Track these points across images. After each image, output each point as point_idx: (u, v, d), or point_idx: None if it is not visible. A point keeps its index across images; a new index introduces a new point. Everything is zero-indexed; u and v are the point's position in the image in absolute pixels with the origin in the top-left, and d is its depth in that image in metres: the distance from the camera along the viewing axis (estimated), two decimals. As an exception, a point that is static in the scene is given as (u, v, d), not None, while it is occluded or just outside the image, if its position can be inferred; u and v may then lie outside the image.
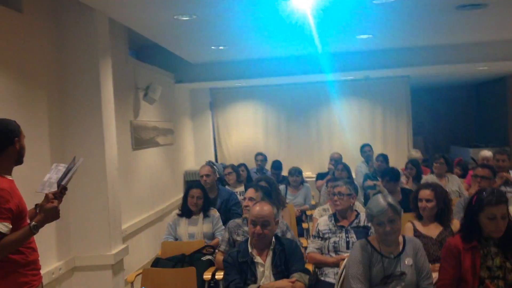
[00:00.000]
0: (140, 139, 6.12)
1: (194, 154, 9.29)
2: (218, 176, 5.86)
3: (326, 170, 8.05)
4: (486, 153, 6.17)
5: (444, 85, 12.50)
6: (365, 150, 7.58)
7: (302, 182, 6.22)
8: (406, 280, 2.68)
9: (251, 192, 3.83)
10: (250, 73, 8.19)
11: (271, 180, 4.76)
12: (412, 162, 6.38)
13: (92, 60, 4.32)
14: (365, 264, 2.70)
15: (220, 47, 6.64)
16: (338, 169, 6.06)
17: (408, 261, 2.72)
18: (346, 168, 6.05)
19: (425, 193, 3.54)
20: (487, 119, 12.11)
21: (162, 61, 7.62)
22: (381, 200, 2.77)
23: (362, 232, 3.53)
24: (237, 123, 9.62)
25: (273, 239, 3.06)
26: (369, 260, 2.73)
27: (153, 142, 6.66)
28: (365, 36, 6.49)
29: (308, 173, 9.05)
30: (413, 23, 5.90)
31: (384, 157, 6.80)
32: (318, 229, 3.62)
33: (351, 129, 9.42)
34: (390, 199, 2.81)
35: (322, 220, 3.65)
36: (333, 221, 3.63)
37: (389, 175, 5.06)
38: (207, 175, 5.09)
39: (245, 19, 4.93)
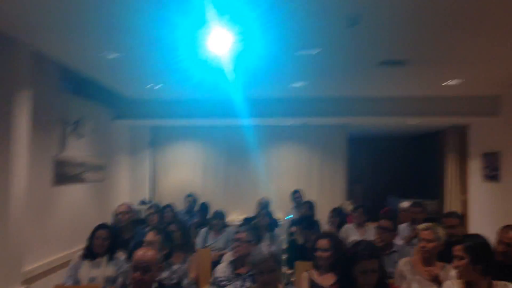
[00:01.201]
0: (63, 175, 5.99)
1: (129, 192, 9.14)
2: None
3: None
4: (404, 204, 6.36)
5: (386, 135, 12.92)
6: (296, 196, 7.65)
7: (224, 226, 6.20)
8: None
9: (151, 235, 3.79)
10: (189, 113, 8.23)
11: (182, 224, 4.71)
12: (335, 211, 6.49)
13: (5, 92, 4.26)
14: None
15: (156, 86, 6.68)
16: (260, 214, 6.08)
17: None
18: (268, 215, 6.08)
19: (322, 243, 3.60)
20: (423, 171, 12.53)
21: (100, 96, 7.58)
22: (264, 250, 2.80)
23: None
24: (175, 163, 9.59)
25: (156, 285, 3.02)
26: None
27: (78, 178, 6.52)
28: (298, 84, 6.69)
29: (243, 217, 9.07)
30: (339, 75, 6.13)
31: (309, 204, 6.89)
32: (215, 276, 3.59)
33: (288, 174, 9.55)
34: (273, 248, 2.84)
35: (220, 267, 3.63)
36: (231, 268, 3.62)
37: (304, 222, 5.12)
38: (123, 213, 5.02)
39: (166, 61, 5.01)
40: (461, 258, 2.86)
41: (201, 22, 3.76)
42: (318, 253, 3.60)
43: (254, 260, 2.78)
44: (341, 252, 3.63)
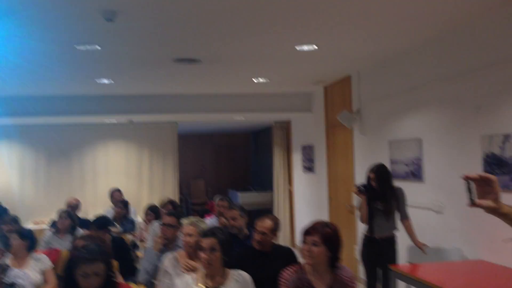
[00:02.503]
0: None
1: None
2: None
3: (87, 215, 7.75)
4: (216, 198, 6.49)
5: (226, 131, 13.20)
6: (114, 195, 7.43)
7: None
8: None
9: None
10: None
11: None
12: (150, 208, 6.40)
13: None
14: None
15: None
16: (61, 217, 5.76)
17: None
18: (70, 216, 5.79)
19: (80, 243, 3.47)
20: (260, 165, 13.04)
21: None
22: None
23: None
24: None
25: None
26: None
27: None
28: (106, 81, 6.47)
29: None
30: (141, 72, 6.03)
31: (124, 204, 6.72)
32: None
33: (117, 173, 9.27)
34: None
35: None
36: None
37: (96, 223, 4.94)
38: None
39: None
40: (213, 250, 2.92)
41: None
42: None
43: None
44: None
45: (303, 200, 9.13)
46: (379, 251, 4.78)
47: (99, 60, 5.24)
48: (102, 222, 4.92)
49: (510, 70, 3.83)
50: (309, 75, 6.65)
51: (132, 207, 7.43)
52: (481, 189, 1.61)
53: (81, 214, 8.56)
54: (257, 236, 3.67)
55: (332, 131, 7.53)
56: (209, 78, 6.49)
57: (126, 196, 8.80)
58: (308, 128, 8.68)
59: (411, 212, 4.78)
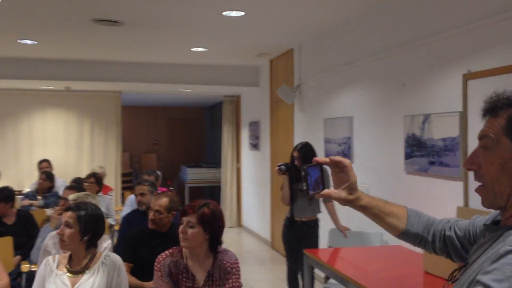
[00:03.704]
0: None
1: None
2: None
3: (24, 186, 7.35)
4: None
5: (181, 104, 12.78)
6: (41, 166, 7.02)
7: None
8: None
9: None
10: None
11: None
12: (74, 181, 6.01)
13: None
14: None
15: None
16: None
17: None
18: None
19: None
20: (214, 140, 12.71)
21: None
22: None
23: None
24: None
25: None
26: None
27: None
28: (28, 42, 6.01)
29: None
30: (62, 34, 5.61)
31: (48, 175, 6.31)
32: None
33: (56, 143, 8.83)
34: None
35: None
36: None
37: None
38: None
39: None
40: (67, 225, 2.59)
41: None
42: None
43: None
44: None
45: (249, 178, 8.87)
46: (300, 234, 4.56)
47: (17, 18, 4.82)
48: (4, 194, 4.54)
49: (433, 45, 3.57)
50: (249, 46, 6.32)
51: (62, 180, 7.03)
52: (337, 177, 1.32)
53: (14, 185, 8.17)
54: (151, 215, 3.37)
55: (275, 106, 7.23)
56: (138, 44, 6.11)
57: (65, 168, 8.42)
58: (255, 103, 8.37)
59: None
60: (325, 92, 5.51)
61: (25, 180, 8.35)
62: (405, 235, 1.36)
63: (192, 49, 6.50)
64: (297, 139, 6.26)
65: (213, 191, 10.76)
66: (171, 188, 8.03)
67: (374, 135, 4.45)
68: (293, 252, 4.63)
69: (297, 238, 4.57)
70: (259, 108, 8.03)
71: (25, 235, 4.55)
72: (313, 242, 4.53)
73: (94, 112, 9.00)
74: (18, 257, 4.30)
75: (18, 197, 6.58)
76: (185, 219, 2.54)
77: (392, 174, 4.14)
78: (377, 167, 4.37)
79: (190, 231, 2.51)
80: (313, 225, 4.57)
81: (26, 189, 7.08)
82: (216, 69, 8.00)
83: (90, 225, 2.63)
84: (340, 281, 3.25)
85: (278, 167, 4.48)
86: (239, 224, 9.31)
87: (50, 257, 2.67)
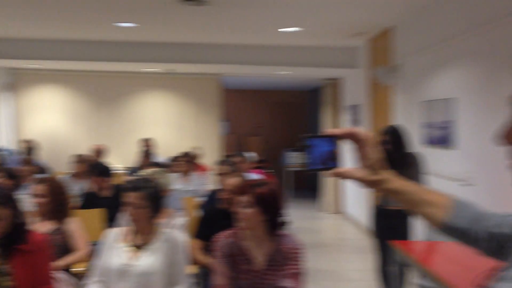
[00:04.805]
0: None
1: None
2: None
3: (133, 163, 7.78)
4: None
5: (283, 87, 12.69)
6: (144, 144, 7.34)
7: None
8: None
9: None
10: (53, 54, 7.68)
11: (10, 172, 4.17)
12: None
13: None
14: None
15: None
16: (76, 161, 5.75)
17: None
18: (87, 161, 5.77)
19: (38, 188, 3.31)
20: (316, 124, 12.44)
21: None
22: None
23: None
24: (41, 108, 9.05)
25: None
26: None
27: None
28: (126, 25, 6.25)
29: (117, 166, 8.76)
30: (151, 17, 5.75)
31: (147, 153, 6.58)
32: None
33: (161, 123, 9.24)
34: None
35: None
36: None
37: (96, 170, 4.81)
38: None
39: None
40: (140, 205, 2.61)
41: None
42: (35, 200, 3.30)
43: None
44: (60, 198, 3.35)
45: (349, 164, 8.51)
46: (390, 224, 4.22)
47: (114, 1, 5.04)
48: (99, 169, 4.78)
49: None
50: (345, 24, 5.99)
51: (163, 158, 7.30)
52: (359, 153, 1.09)
53: (125, 162, 8.70)
54: (224, 194, 3.29)
55: (374, 89, 6.82)
56: (232, 25, 6.06)
57: (167, 147, 8.74)
58: (354, 86, 7.99)
59: (437, 182, 4.15)
60: (425, 72, 5.04)
61: (130, 157, 8.83)
62: (446, 228, 1.09)
63: (287, 29, 6.32)
64: (396, 123, 5.84)
65: (314, 176, 10.58)
66: (269, 171, 8.00)
67: (480, 119, 3.95)
68: (382, 244, 4.31)
69: (387, 228, 4.24)
70: (359, 91, 7.65)
71: (118, 208, 4.75)
72: (404, 234, 4.17)
73: (196, 94, 9.24)
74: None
75: (122, 172, 6.99)
76: (241, 199, 2.41)
77: (503, 163, 3.63)
78: (484, 155, 3.88)
79: (246, 211, 2.38)
80: (406, 215, 4.20)
81: (130, 166, 7.46)
82: (312, 51, 7.75)
83: (153, 202, 2.62)
84: (433, 280, 2.88)
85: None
86: (339, 210, 9.03)
87: (114, 229, 2.71)
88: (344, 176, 1.07)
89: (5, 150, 8.08)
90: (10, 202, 2.44)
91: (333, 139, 1.08)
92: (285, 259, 2.44)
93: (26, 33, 7.07)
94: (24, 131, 8.94)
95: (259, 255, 2.45)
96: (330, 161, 1.07)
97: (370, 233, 4.44)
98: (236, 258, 2.43)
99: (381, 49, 6.48)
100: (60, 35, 7.12)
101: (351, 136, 1.06)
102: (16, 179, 4.15)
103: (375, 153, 1.05)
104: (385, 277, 4.38)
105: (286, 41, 7.33)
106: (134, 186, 2.63)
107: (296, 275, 2.41)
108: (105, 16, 5.80)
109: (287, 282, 2.37)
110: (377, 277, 4.45)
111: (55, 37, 7.32)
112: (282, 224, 2.49)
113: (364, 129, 1.08)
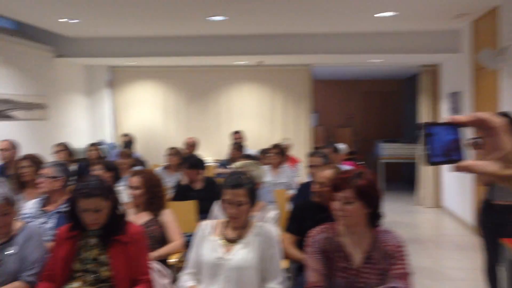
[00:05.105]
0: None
1: (88, 132, 9.14)
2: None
3: (223, 156, 7.93)
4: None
5: (376, 76, 12.24)
6: (235, 137, 7.39)
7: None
8: (5, 269, 2.53)
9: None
10: (147, 51, 7.98)
11: (110, 165, 4.39)
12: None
13: None
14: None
15: (71, 21, 6.43)
16: (170, 154, 5.89)
17: (10, 250, 2.57)
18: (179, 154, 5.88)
19: (133, 181, 3.38)
20: (412, 114, 11.85)
21: (40, 34, 7.44)
22: None
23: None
24: (136, 103, 9.45)
25: None
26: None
27: (1, 116, 6.50)
28: (217, 18, 6.28)
29: (207, 159, 8.95)
30: (252, 9, 5.70)
31: (238, 145, 6.60)
32: (22, 213, 3.45)
33: (250, 116, 9.27)
34: (4, 189, 2.59)
35: (29, 203, 3.49)
36: (39, 205, 3.47)
37: (189, 162, 4.88)
38: (3, 150, 4.96)
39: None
40: (240, 203, 2.54)
41: None
42: (131, 192, 3.39)
43: None
44: (155, 190, 3.41)
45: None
46: (500, 221, 3.84)
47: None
48: (192, 161, 4.84)
49: None
50: (446, 5, 5.56)
51: (253, 150, 7.30)
52: (486, 142, 0.92)
53: (216, 155, 8.85)
54: (316, 187, 3.16)
55: (478, 74, 6.30)
56: (320, 12, 5.88)
57: (258, 140, 8.77)
58: (455, 72, 7.46)
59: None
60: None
61: (221, 150, 8.95)
62: None
63: (380, 15, 6.01)
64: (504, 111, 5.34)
65: (409, 168, 10.09)
66: (361, 163, 7.74)
67: None
68: (491, 241, 3.95)
69: (496, 225, 3.87)
70: (460, 78, 7.12)
71: (210, 200, 4.79)
72: (515, 231, 3.78)
73: (285, 86, 9.16)
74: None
75: (214, 165, 7.09)
76: (339, 195, 2.27)
77: None
78: None
79: (348, 207, 2.24)
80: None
81: (221, 158, 7.55)
82: (409, 36, 7.33)
83: (251, 198, 2.57)
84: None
85: (473, 139, 3.82)
86: (438, 204, 8.53)
87: (207, 222, 2.68)
88: (472, 170, 0.90)
89: (106, 143, 8.54)
90: (110, 194, 2.50)
91: (456, 127, 0.91)
92: (386, 257, 2.27)
93: (123, 32, 7.39)
94: (122, 125, 9.39)
95: (356, 252, 2.30)
96: (454, 152, 0.90)
97: (475, 229, 4.07)
98: (332, 255, 2.30)
99: (486, 31, 5.96)
100: (154, 32, 7.36)
101: (479, 123, 0.89)
102: (115, 171, 4.32)
103: (506, 143, 0.87)
104: (493, 277, 4.02)
105: (380, 27, 7.00)
106: (233, 183, 2.54)
107: (405, 276, 2.23)
108: (198, 11, 5.88)
109: (395, 283, 2.20)
110: (484, 277, 4.09)
111: (149, 35, 7.58)
112: (382, 217, 2.32)
113: (493, 116, 0.90)
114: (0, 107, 6.47)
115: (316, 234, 2.39)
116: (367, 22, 6.55)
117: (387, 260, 2.25)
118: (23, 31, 7.27)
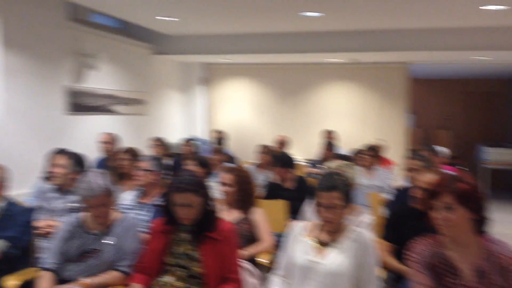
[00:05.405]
0: (80, 105, 6.30)
1: (182, 127, 9.41)
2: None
3: (312, 155, 7.81)
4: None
5: (480, 75, 11.42)
6: (326, 136, 7.22)
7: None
8: (103, 258, 2.60)
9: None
10: (241, 48, 8.05)
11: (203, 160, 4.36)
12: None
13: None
14: (63, 238, 2.65)
15: (169, 19, 6.61)
16: (262, 152, 5.87)
17: (109, 239, 2.63)
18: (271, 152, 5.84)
19: (225, 178, 3.36)
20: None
21: (141, 32, 7.74)
22: (93, 182, 2.63)
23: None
24: (230, 100, 9.59)
25: None
26: (70, 234, 2.67)
27: (104, 110, 6.85)
28: (312, 14, 6.13)
29: (298, 157, 8.86)
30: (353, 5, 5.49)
31: (329, 145, 6.43)
32: (120, 203, 3.55)
33: (341, 115, 9.05)
34: (104, 180, 2.66)
35: (127, 194, 3.59)
36: (135, 197, 3.55)
37: (280, 161, 4.80)
38: (104, 143, 5.20)
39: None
40: (334, 206, 2.42)
41: None
42: (223, 189, 3.38)
43: (81, 191, 2.63)
44: (247, 188, 3.37)
45: None
46: None
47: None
48: (282, 160, 4.77)
49: None
50: None
51: (344, 150, 7.09)
52: None
53: (307, 154, 8.72)
54: (417, 193, 2.94)
55: None
56: (421, 6, 5.51)
57: (350, 139, 8.50)
58: None
59: None
60: None
61: (312, 149, 8.79)
62: None
63: (490, 7, 5.54)
64: None
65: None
66: (462, 168, 7.22)
67: None
68: None
69: None
70: None
71: (301, 200, 4.69)
72: None
73: (380, 85, 8.82)
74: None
75: (304, 164, 6.98)
76: (439, 203, 2.05)
77: None
78: None
79: (450, 215, 2.02)
80: None
81: (310, 157, 7.41)
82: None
83: (347, 201, 2.43)
84: None
85: None
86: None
87: (299, 223, 2.58)
88: None
89: (199, 139, 8.73)
90: (202, 190, 2.48)
91: None
92: (502, 272, 2.01)
93: (217, 29, 7.48)
94: (215, 122, 9.57)
95: (465, 265, 2.07)
96: None
97: None
98: (439, 270, 2.09)
99: None
100: (247, 29, 7.37)
101: None
102: (207, 167, 4.36)
103: None
104: None
105: (486, 22, 6.47)
106: (328, 186, 2.42)
107: None
108: (291, 6, 5.78)
109: None
110: None
111: (243, 32, 7.61)
112: (489, 222, 2.08)
113: None
114: (104, 102, 6.82)
115: (420, 247, 2.18)
116: (471, 16, 6.07)
117: (504, 275, 2.00)
118: (125, 29, 7.61)
